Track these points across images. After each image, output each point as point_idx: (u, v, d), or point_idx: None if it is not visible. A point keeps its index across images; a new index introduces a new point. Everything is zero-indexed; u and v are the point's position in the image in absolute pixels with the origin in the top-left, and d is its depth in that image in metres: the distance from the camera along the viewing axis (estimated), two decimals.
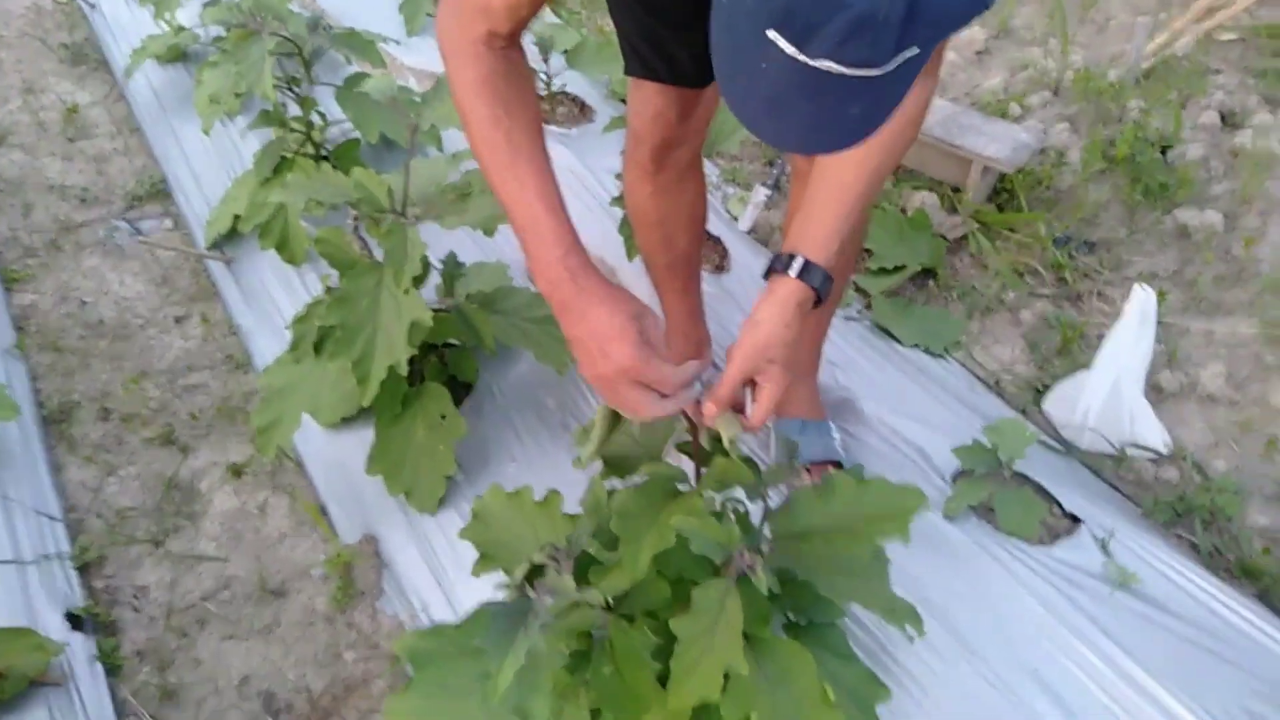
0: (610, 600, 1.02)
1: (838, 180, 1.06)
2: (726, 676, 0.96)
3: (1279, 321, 1.94)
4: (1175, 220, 2.18)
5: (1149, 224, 2.21)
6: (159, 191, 2.58)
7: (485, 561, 1.16)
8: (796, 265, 1.03)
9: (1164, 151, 2.31)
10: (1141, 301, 1.68)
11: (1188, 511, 1.69)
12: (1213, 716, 1.34)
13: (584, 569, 1.03)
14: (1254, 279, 2.03)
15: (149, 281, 2.31)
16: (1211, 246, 2.12)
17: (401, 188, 1.54)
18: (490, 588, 1.06)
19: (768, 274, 1.07)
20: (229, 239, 2.32)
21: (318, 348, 1.53)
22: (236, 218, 2.20)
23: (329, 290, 1.60)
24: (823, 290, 1.05)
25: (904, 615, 1.24)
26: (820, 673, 1.12)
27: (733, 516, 1.22)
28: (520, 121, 1.02)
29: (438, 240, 2.05)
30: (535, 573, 1.00)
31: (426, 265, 1.74)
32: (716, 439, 1.08)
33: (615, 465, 1.12)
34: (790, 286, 1.04)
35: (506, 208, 1.02)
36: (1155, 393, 1.88)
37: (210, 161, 2.56)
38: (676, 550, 1.02)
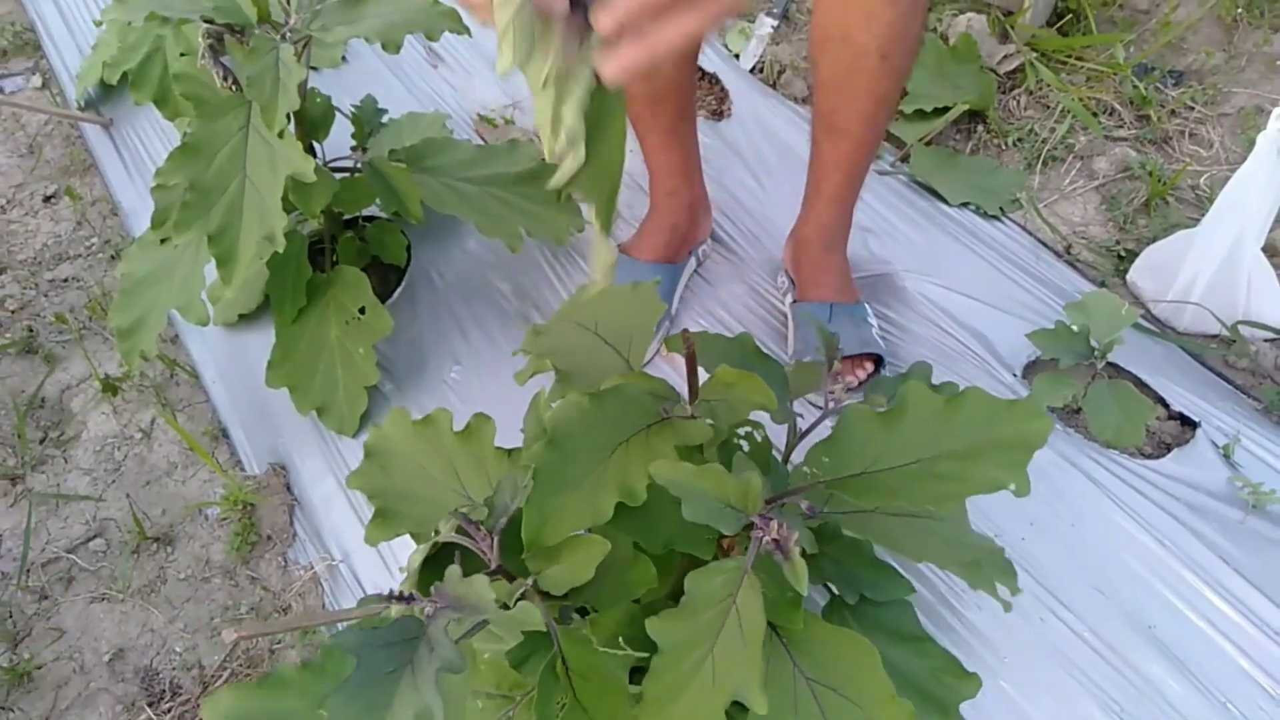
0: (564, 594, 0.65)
1: None
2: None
3: None
4: None
5: (1251, 46, 1.78)
6: (25, 42, 2.09)
7: (383, 523, 0.78)
8: None
9: None
10: (1278, 131, 1.26)
11: None
12: None
13: (519, 543, 0.66)
14: None
15: (12, 153, 1.86)
16: None
17: None
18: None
19: None
20: (108, 97, 1.88)
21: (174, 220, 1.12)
22: (106, 66, 1.74)
23: None
24: None
25: (993, 571, 0.89)
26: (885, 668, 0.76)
27: (744, 449, 0.84)
28: None
29: (360, 87, 1.62)
30: (443, 557, 0.62)
31: (329, 111, 1.31)
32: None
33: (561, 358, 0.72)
34: None
35: None
36: (1267, 254, 1.48)
37: (89, 1, 2.08)
38: (660, 508, 0.65)
